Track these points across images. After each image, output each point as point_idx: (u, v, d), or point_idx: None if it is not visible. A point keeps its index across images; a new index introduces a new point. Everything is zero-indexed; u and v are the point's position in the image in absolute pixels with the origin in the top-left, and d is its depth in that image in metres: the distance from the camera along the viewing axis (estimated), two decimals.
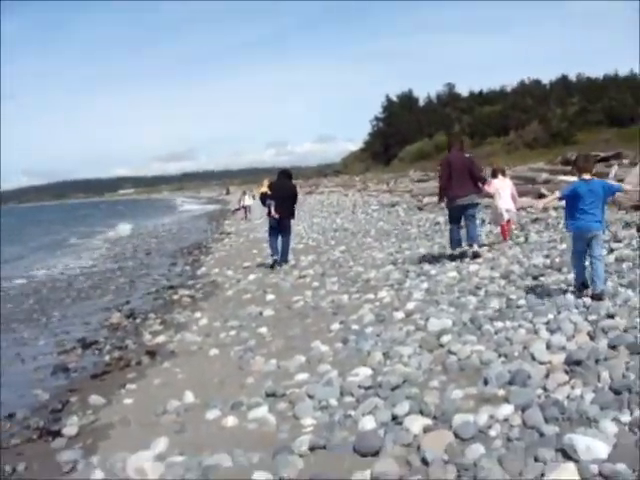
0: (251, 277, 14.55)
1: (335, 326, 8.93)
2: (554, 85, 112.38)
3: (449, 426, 4.98)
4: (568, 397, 5.12)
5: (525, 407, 4.99)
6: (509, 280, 9.71)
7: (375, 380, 6.29)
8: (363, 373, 6.58)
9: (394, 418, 5.35)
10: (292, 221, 15.99)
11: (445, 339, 7.21)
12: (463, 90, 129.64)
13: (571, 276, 9.07)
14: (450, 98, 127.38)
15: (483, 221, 16.65)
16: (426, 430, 5.02)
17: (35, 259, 28.47)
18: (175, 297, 13.87)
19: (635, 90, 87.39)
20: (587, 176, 8.20)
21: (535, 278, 9.51)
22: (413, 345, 7.25)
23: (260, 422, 5.86)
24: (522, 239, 13.59)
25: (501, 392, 5.46)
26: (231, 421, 5.99)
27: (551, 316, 7.31)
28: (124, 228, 45.86)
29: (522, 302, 8.25)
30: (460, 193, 12.10)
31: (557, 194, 8.72)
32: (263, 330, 9.45)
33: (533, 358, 6.10)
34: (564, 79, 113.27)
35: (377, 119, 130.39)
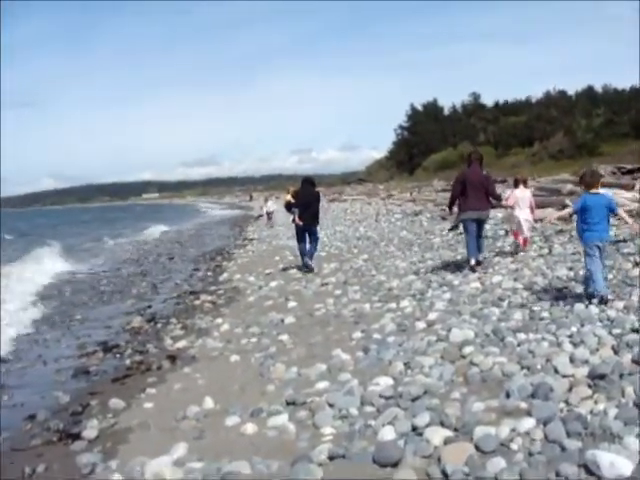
0: (273, 284, 14.56)
1: (357, 335, 8.91)
2: (579, 96, 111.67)
3: (470, 438, 4.94)
4: (591, 412, 5.06)
5: (547, 421, 4.94)
6: (532, 292, 9.65)
7: (396, 390, 6.26)
8: (384, 383, 6.55)
9: (414, 429, 5.31)
10: (318, 227, 16.57)
11: (467, 350, 7.17)
12: (488, 100, 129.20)
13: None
14: (475, 108, 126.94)
15: (507, 232, 16.55)
16: (447, 442, 4.98)
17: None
18: (197, 302, 13.88)
19: None
20: (594, 190, 8.75)
21: (559, 290, 9.45)
22: (435, 356, 7.22)
23: (280, 430, 5.85)
24: (546, 250, 13.50)
25: (523, 405, 5.41)
26: (250, 428, 5.98)
27: (574, 329, 7.26)
28: (153, 231, 46.20)
29: (545, 314, 8.20)
30: (473, 206, 12.46)
31: (569, 209, 9.42)
32: (284, 337, 9.43)
33: (556, 371, 6.05)
34: (590, 90, 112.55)
35: (402, 128, 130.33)
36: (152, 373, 8.76)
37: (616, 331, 6.94)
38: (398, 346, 7.87)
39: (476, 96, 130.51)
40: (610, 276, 9.90)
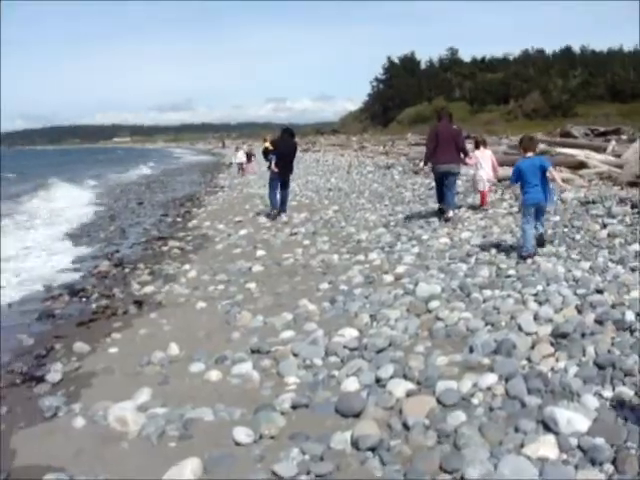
0: (242, 232, 14.52)
1: (324, 285, 8.93)
2: (557, 56, 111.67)
3: (432, 392, 5.00)
4: (552, 369, 5.14)
5: (509, 377, 5.01)
6: (500, 249, 9.70)
7: (361, 342, 6.30)
8: (349, 334, 6.59)
9: (378, 381, 5.37)
10: (291, 176, 17.28)
11: (433, 305, 7.21)
12: (466, 56, 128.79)
13: (562, 249, 9.24)
14: (452, 63, 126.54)
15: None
16: (409, 394, 5.04)
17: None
18: (165, 248, 13.81)
19: (638, 66, 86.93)
20: (530, 154, 9.48)
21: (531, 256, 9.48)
22: (401, 309, 7.26)
23: (244, 378, 5.87)
24: (515, 209, 13.55)
25: (486, 361, 5.47)
26: (215, 375, 6.00)
27: (540, 288, 7.32)
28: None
29: (512, 272, 8.26)
30: (444, 159, 13.14)
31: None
32: (251, 286, 9.43)
33: (520, 329, 6.11)
34: (567, 51, 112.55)
35: (377, 80, 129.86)
36: (118, 318, 8.72)
37: (581, 291, 7.01)
38: (365, 298, 7.91)
39: (453, 51, 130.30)
40: (578, 237, 9.98)
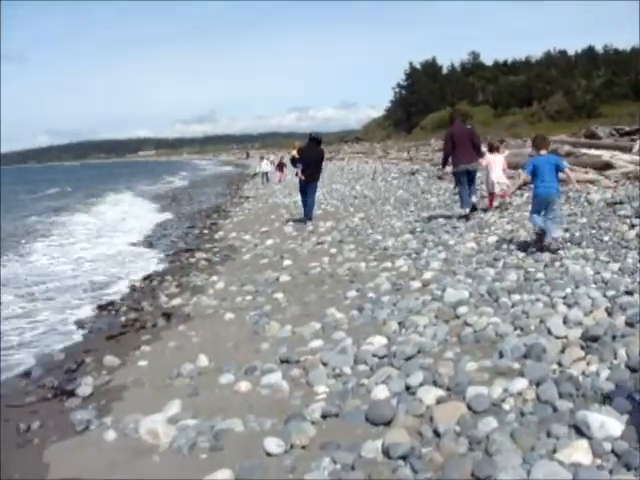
0: (268, 242, 14.55)
1: (351, 294, 8.90)
2: (580, 56, 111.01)
3: (462, 398, 4.95)
4: (583, 373, 5.06)
5: (540, 382, 4.95)
6: (528, 253, 9.64)
7: (389, 349, 6.26)
8: (378, 342, 6.56)
9: (407, 388, 5.32)
10: (318, 183, 17.83)
11: (461, 310, 7.16)
12: (488, 59, 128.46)
13: (590, 250, 9.18)
14: (474, 67, 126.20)
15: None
16: (439, 401, 5.00)
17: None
18: (192, 260, 13.89)
19: None
20: (544, 152, 10.01)
21: (554, 252, 9.44)
22: (429, 315, 7.21)
23: (273, 388, 5.86)
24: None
25: (516, 365, 5.41)
26: (244, 386, 5.99)
27: (569, 290, 7.25)
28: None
29: (540, 275, 8.19)
30: (464, 159, 13.82)
31: (524, 176, 10.70)
32: (279, 295, 9.44)
33: (549, 332, 6.05)
34: (590, 50, 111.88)
35: (400, 86, 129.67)
36: (147, 331, 8.78)
37: (610, 293, 6.94)
38: (392, 305, 7.87)
39: (475, 55, 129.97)
40: (606, 238, 9.91)
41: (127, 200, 38.11)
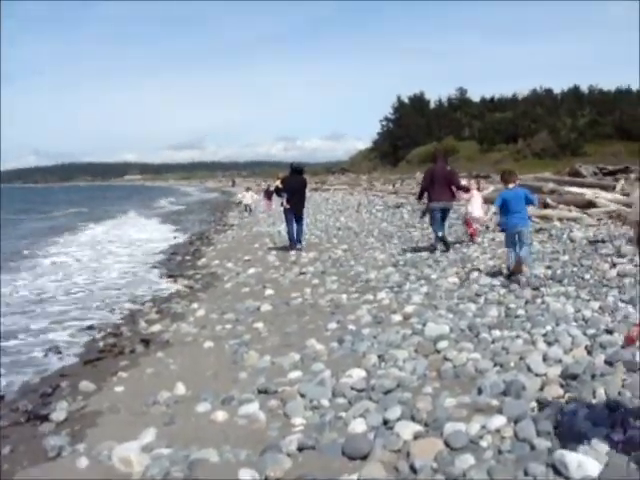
0: (251, 271, 14.50)
1: (332, 325, 8.87)
2: (565, 95, 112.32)
3: (440, 434, 4.91)
4: (562, 411, 5.05)
5: (518, 419, 4.93)
6: (509, 289, 9.66)
7: (368, 383, 6.22)
8: (357, 375, 6.51)
9: (385, 423, 5.28)
10: (304, 210, 18.27)
11: (441, 345, 7.15)
12: (475, 95, 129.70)
13: (571, 288, 9.21)
14: (461, 103, 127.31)
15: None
16: (416, 437, 4.96)
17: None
18: (173, 286, 13.82)
19: None
20: (511, 185, 10.71)
21: (536, 289, 9.46)
22: (409, 349, 7.19)
23: (250, 419, 5.79)
24: (531, 251, 13.52)
25: (495, 402, 5.40)
26: (221, 416, 5.92)
27: (549, 328, 7.27)
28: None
29: (521, 312, 8.21)
30: (439, 198, 14.55)
31: (493, 209, 11.43)
32: (259, 325, 9.37)
33: (529, 369, 6.05)
34: (576, 90, 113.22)
35: (387, 119, 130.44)
36: (125, 356, 8.69)
37: (590, 331, 6.96)
38: (373, 338, 7.84)
39: (463, 91, 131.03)
40: (587, 276, 9.96)
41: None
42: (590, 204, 19.85)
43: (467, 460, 4.45)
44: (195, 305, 11.41)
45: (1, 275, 16.49)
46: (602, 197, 20.77)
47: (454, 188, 14.93)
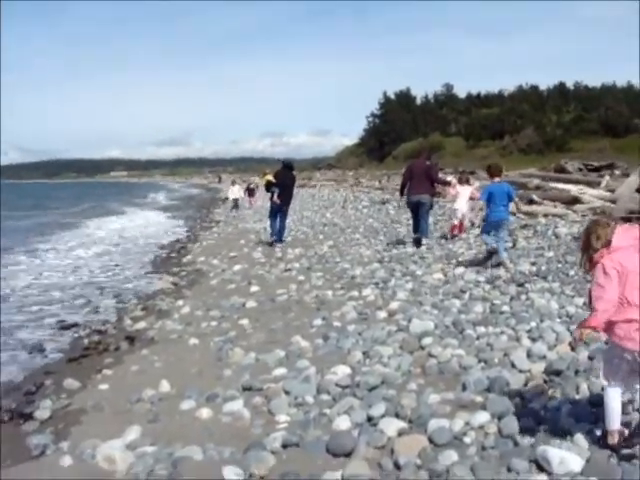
0: (236, 267, 14.47)
1: (317, 322, 8.86)
2: (551, 92, 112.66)
3: (424, 430, 4.93)
4: (545, 407, 5.07)
5: (501, 415, 4.95)
6: (494, 285, 9.69)
7: (353, 379, 6.23)
8: (342, 371, 6.52)
9: (369, 419, 5.29)
10: (289, 207, 18.58)
11: (426, 341, 7.16)
12: (461, 92, 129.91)
13: (556, 285, 9.24)
14: (448, 99, 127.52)
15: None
16: (400, 433, 4.97)
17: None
18: (159, 283, 13.77)
19: (631, 101, 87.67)
20: (497, 179, 11.47)
21: (520, 285, 9.49)
22: (394, 346, 7.20)
23: (234, 416, 5.79)
24: (509, 244, 13.55)
25: (479, 399, 5.42)
26: (205, 413, 5.91)
27: (534, 324, 7.31)
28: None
29: (506, 308, 8.24)
30: (416, 191, 14.91)
31: (480, 203, 12.12)
32: (244, 322, 9.36)
33: (513, 366, 6.08)
34: (561, 86, 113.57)
35: (373, 115, 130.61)
36: (109, 354, 8.67)
37: (574, 327, 6.96)
38: (358, 335, 7.84)
39: (449, 87, 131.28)
40: (572, 272, 9.99)
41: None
42: (575, 200, 19.93)
43: (451, 456, 4.46)
44: (180, 302, 11.37)
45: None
46: (587, 193, 20.86)
47: (435, 183, 15.36)
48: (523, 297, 8.77)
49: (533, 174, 30.15)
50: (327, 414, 5.53)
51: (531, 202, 20.32)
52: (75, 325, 10.40)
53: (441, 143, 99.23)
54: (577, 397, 5.19)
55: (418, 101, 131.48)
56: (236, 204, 34.55)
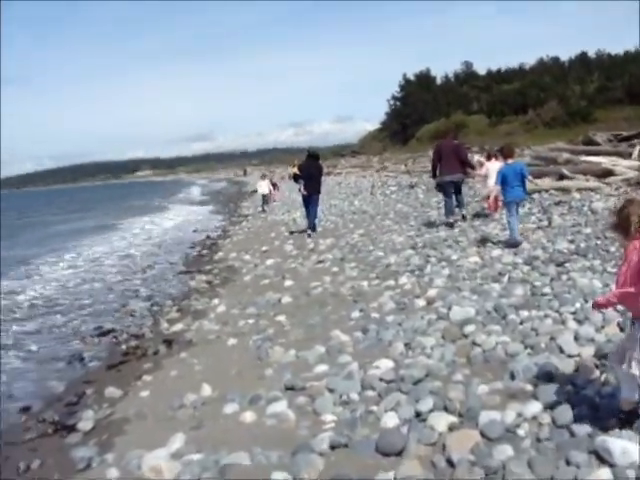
0: (269, 262, 14.37)
1: (355, 314, 8.72)
2: (573, 63, 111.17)
3: (475, 424, 4.79)
4: (599, 394, 4.90)
5: (554, 405, 4.79)
6: (533, 266, 9.47)
7: (397, 373, 6.09)
8: (384, 365, 6.38)
9: (418, 415, 5.16)
10: (320, 195, 18.61)
11: (469, 329, 7.00)
12: (481, 69, 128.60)
13: (597, 262, 9.03)
14: (468, 77, 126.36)
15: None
16: (451, 428, 4.84)
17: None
18: (192, 283, 13.73)
19: None
20: (510, 160, 11.72)
21: (560, 265, 9.27)
22: (435, 335, 7.05)
23: (279, 418, 5.68)
24: (545, 223, 13.32)
25: (528, 387, 5.27)
26: (249, 416, 5.82)
27: (578, 305, 7.11)
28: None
29: (547, 290, 8.03)
30: (447, 172, 15.06)
31: (497, 186, 12.05)
32: (282, 318, 9.26)
33: (561, 351, 5.90)
34: (583, 56, 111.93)
35: (394, 98, 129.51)
36: (148, 358, 8.63)
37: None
38: (398, 325, 7.70)
39: (468, 65, 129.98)
40: (612, 248, 9.73)
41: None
42: (608, 172, 19.54)
43: (505, 451, 4.32)
44: (215, 301, 11.30)
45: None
46: (620, 164, 20.44)
47: (465, 162, 15.52)
48: (564, 277, 8.55)
49: (562, 148, 29.69)
50: (374, 411, 5.40)
51: (562, 177, 19.97)
52: (112, 331, 10.37)
53: (464, 122, 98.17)
54: None
55: (438, 81, 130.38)
56: (266, 200, 32.27)
